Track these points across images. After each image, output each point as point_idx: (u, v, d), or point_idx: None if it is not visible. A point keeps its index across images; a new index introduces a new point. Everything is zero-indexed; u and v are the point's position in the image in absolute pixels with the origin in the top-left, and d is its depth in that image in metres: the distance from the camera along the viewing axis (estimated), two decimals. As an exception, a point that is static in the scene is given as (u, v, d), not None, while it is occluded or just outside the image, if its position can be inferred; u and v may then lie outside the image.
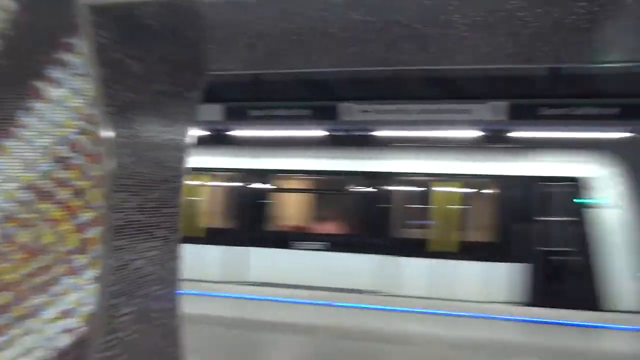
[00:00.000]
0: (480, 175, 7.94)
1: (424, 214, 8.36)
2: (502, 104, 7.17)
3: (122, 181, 2.47)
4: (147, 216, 2.78)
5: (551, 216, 7.62)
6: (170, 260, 3.12)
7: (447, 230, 8.00)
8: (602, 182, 7.42)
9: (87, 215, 2.33)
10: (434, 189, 8.24)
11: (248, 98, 8.28)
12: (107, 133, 2.30)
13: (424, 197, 8.38)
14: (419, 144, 8.93)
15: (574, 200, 7.50)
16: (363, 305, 6.92)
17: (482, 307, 6.86)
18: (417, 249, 8.04)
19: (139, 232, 2.69)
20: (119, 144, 2.40)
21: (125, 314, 2.59)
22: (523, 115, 7.20)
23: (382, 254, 8.07)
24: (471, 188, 8.19)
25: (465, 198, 8.16)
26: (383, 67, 3.19)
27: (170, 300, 3.14)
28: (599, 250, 7.24)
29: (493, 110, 7.25)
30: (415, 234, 8.40)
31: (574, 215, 7.48)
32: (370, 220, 8.45)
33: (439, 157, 8.32)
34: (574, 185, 7.45)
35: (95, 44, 2.25)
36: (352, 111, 7.86)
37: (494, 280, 7.52)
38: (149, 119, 2.74)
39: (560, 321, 6.15)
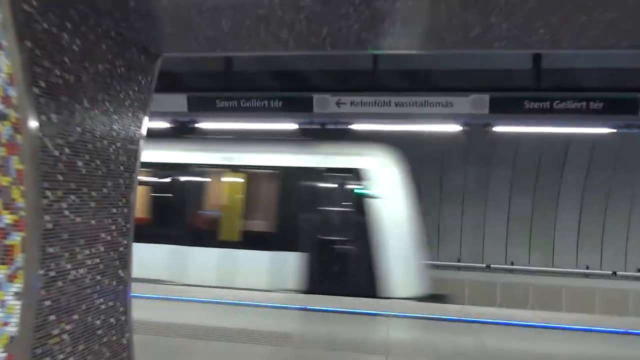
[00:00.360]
0: (263, 166, 8.24)
1: (210, 204, 8.63)
2: (485, 97, 7.03)
3: (53, 177, 2.12)
4: (88, 217, 2.44)
5: (331, 206, 7.96)
6: (119, 268, 2.78)
7: (233, 220, 8.25)
8: (382, 173, 7.80)
9: (8, 218, 1.98)
10: (219, 180, 8.51)
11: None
12: (32, 119, 1.95)
13: (210, 189, 8.63)
14: (208, 135, 9.13)
15: (353, 191, 7.86)
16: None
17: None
18: (205, 239, 8.32)
19: (77, 237, 2.35)
20: (48, 132, 2.06)
21: (61, 334, 2.25)
22: (507, 109, 7.08)
23: (173, 243, 8.30)
24: (255, 179, 8.44)
25: (249, 189, 8.41)
26: (360, 51, 2.91)
27: (120, 313, 2.81)
28: (377, 239, 7.58)
29: (475, 103, 7.10)
30: (202, 224, 8.63)
31: (353, 206, 7.83)
32: (161, 211, 8.64)
33: (223, 148, 8.51)
34: (353, 176, 7.81)
35: (18, 11, 1.90)
36: (326, 103, 7.58)
37: (277, 269, 7.83)
38: (89, 105, 2.39)
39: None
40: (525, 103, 6.97)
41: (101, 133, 2.54)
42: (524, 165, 11.48)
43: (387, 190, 7.64)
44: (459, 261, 11.95)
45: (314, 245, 7.82)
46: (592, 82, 7.31)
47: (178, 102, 8.03)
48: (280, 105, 7.86)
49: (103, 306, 2.62)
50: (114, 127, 2.68)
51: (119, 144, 2.73)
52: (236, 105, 7.97)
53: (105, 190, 2.60)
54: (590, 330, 5.69)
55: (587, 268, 11.76)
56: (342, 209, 7.85)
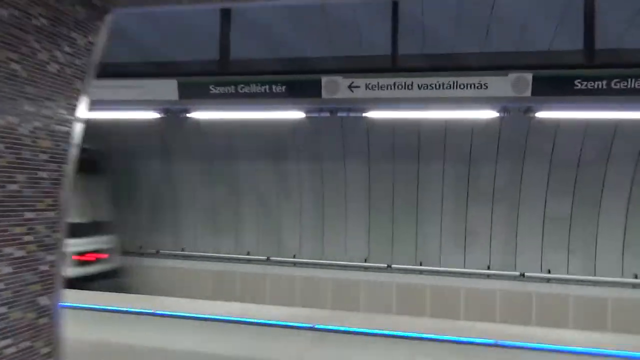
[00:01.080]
0: None
1: None
2: (527, 76, 6.26)
3: None
4: (-20, 227, 1.80)
5: None
6: (39, 294, 2.14)
7: None
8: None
9: None
10: None
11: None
12: None
13: None
14: None
15: None
16: None
17: None
18: None
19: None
20: None
21: None
22: (554, 90, 6.31)
23: None
24: None
25: None
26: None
27: (43, 356, 2.16)
28: None
29: (515, 84, 6.32)
30: None
31: None
32: None
33: None
34: None
35: None
36: (337, 87, 6.88)
37: None
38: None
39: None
40: (577, 83, 6.19)
41: (4, 107, 1.89)
42: (562, 158, 10.65)
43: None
44: (488, 268, 11.18)
45: None
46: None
47: (167, 88, 7.43)
48: (283, 90, 7.19)
49: (11, 350, 1.98)
50: (30, 100, 2.04)
51: (38, 124, 2.08)
52: (233, 91, 7.33)
53: (12, 186, 1.95)
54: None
55: (636, 277, 10.89)
56: None
